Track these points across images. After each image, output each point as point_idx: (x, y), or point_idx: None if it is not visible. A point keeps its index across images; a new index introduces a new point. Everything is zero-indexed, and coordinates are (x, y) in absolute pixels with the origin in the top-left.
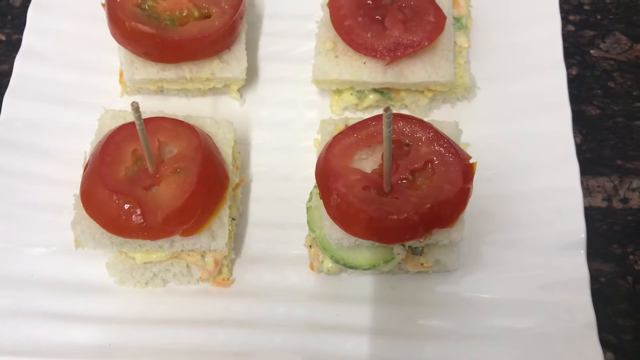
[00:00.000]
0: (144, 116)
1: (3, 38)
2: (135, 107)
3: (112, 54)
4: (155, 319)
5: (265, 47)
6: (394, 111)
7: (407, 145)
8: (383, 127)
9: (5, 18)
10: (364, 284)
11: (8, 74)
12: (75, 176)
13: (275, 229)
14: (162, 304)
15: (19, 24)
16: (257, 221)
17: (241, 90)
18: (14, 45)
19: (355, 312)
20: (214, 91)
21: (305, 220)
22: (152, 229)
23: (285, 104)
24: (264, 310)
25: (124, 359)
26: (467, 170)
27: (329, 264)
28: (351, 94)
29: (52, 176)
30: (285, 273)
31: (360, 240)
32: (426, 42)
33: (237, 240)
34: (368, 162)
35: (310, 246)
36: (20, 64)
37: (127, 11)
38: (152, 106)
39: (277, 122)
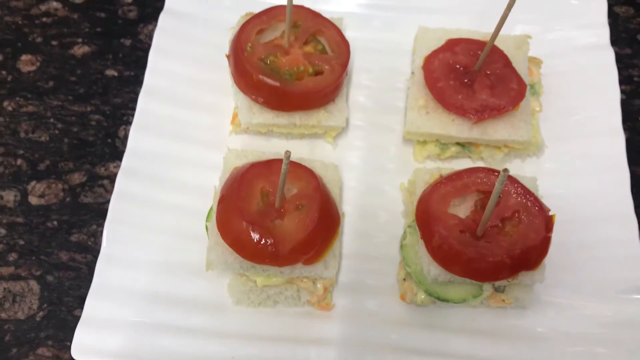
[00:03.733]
0: (261, 157)
1: (115, 74)
2: (287, 155)
3: (223, 95)
4: (267, 336)
5: (355, 97)
6: (472, 163)
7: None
8: (496, 183)
9: (117, 56)
10: (449, 315)
11: (121, 106)
12: (193, 204)
13: (366, 261)
14: (272, 323)
15: (129, 62)
16: (350, 253)
17: (334, 136)
18: (125, 81)
19: (443, 339)
20: (311, 135)
21: (392, 254)
22: (281, 257)
23: (372, 149)
24: (360, 333)
25: None
26: (548, 221)
27: (422, 296)
28: (435, 145)
29: (173, 203)
30: (377, 301)
31: (454, 277)
32: (510, 107)
33: None
34: (460, 208)
35: (404, 279)
36: (143, 101)
37: (254, 65)
38: (256, 145)
39: (365, 165)
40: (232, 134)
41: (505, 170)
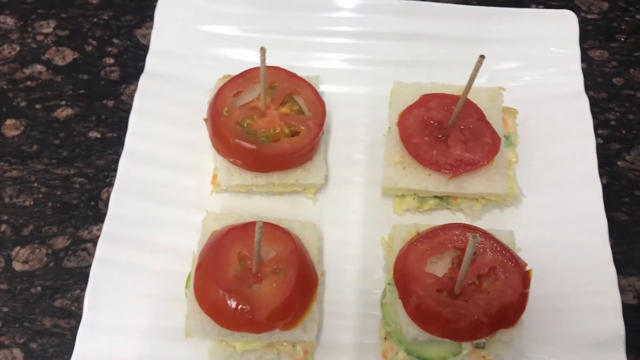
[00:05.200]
0: (239, 220)
1: (99, 136)
2: (260, 226)
3: (203, 155)
4: None
5: (334, 151)
6: (451, 214)
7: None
8: (467, 248)
9: (99, 117)
10: None
11: (104, 168)
12: (175, 267)
13: (347, 318)
14: None
15: (112, 123)
16: (331, 311)
17: (314, 192)
18: (108, 143)
19: None
20: (291, 191)
21: (374, 312)
22: (259, 324)
23: (351, 204)
24: None
25: None
26: (525, 277)
27: (402, 355)
28: (413, 199)
29: (155, 267)
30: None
31: (434, 337)
32: (485, 161)
33: None
34: (438, 265)
35: (385, 338)
36: (124, 164)
37: (230, 129)
38: (238, 204)
39: (344, 220)
40: (213, 193)
41: (475, 236)
